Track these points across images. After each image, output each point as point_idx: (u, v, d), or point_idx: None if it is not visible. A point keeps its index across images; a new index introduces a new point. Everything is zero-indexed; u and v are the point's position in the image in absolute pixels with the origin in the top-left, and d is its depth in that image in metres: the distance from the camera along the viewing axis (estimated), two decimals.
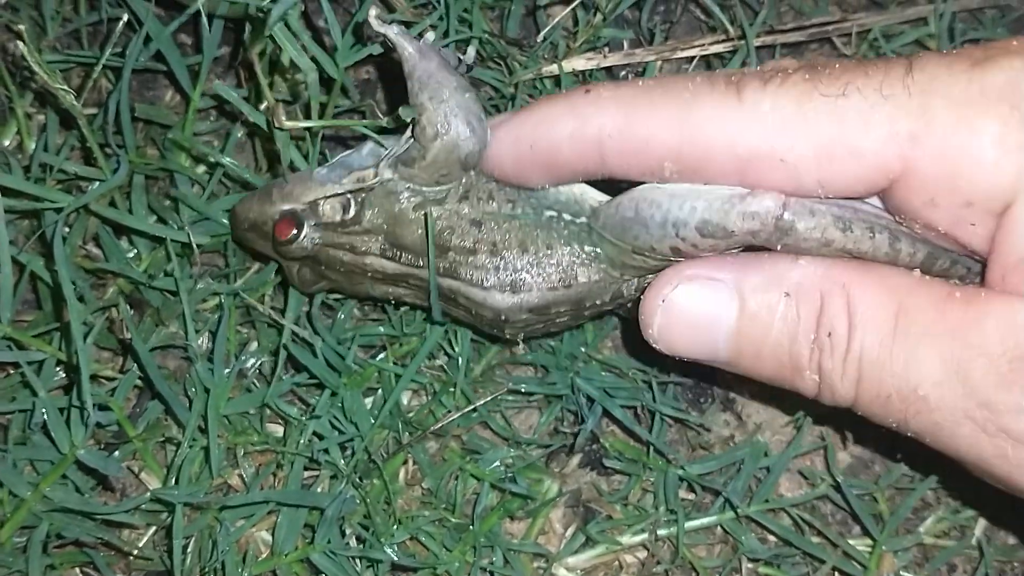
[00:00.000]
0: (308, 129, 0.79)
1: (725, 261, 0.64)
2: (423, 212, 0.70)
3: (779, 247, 0.62)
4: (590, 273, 0.69)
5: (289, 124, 0.69)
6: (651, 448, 0.83)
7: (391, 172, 0.71)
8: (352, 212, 0.72)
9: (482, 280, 0.70)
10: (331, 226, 0.72)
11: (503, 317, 0.71)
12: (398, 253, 0.72)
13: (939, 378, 0.56)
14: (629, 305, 0.77)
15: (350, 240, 0.72)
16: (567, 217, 0.69)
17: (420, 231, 0.70)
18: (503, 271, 0.69)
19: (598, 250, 0.69)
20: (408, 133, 0.69)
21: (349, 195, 0.72)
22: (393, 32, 0.68)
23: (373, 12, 0.69)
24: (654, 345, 0.66)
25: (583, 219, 0.69)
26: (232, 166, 0.84)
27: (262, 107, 0.78)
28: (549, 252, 0.69)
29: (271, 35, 0.69)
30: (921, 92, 0.57)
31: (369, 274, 0.73)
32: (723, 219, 0.61)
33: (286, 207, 0.73)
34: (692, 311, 0.63)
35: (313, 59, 0.79)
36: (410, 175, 0.70)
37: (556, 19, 0.89)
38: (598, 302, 0.71)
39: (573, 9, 0.89)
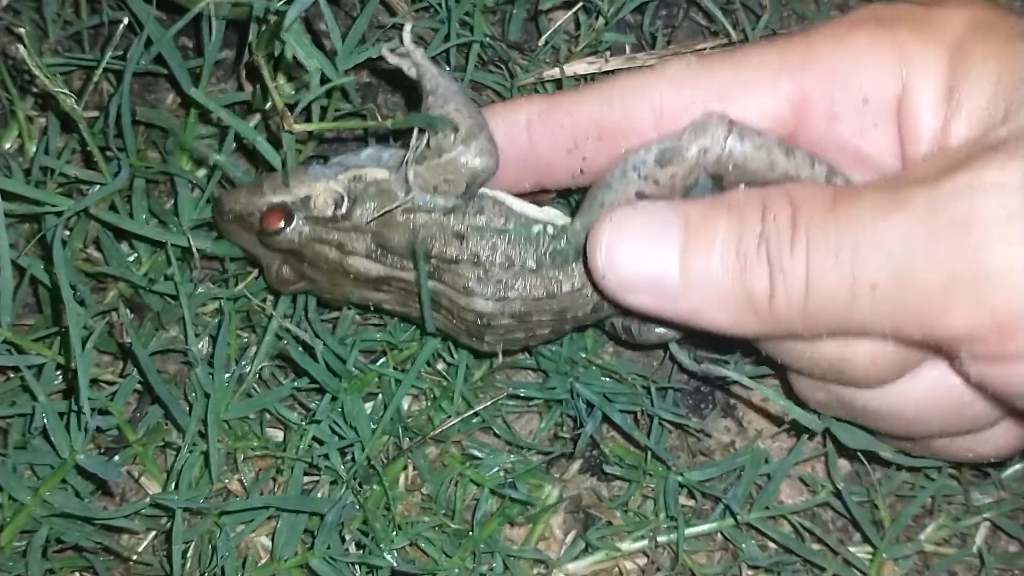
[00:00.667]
0: (310, 132, 0.79)
1: (669, 199, 0.67)
2: (410, 216, 0.71)
3: (730, 168, 0.65)
4: (573, 281, 0.71)
5: (299, 127, 0.70)
6: (651, 454, 0.83)
7: (387, 173, 0.72)
8: (344, 208, 0.72)
9: (465, 285, 0.71)
10: (321, 221, 0.73)
11: (484, 321, 0.71)
12: (383, 255, 0.72)
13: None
14: (610, 322, 0.78)
15: (338, 237, 0.73)
16: (550, 231, 0.72)
17: (406, 234, 0.71)
18: (487, 281, 0.71)
19: (580, 255, 0.71)
20: (415, 138, 0.70)
21: (343, 192, 0.72)
22: (419, 54, 0.71)
23: (408, 28, 0.71)
24: (600, 273, 0.65)
25: (562, 223, 0.72)
26: (229, 166, 0.83)
27: (269, 110, 0.79)
28: (535, 268, 0.71)
29: (281, 37, 0.69)
30: (803, 34, 0.66)
31: (352, 275, 0.74)
32: (676, 144, 0.65)
33: (277, 199, 0.73)
34: (641, 225, 0.64)
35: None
36: (412, 175, 0.70)
37: (558, 23, 0.89)
38: (580, 314, 0.73)
39: (575, 13, 0.89)
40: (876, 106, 0.64)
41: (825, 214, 0.58)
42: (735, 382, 0.84)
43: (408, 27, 0.71)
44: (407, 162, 0.70)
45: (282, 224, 0.72)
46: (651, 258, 0.63)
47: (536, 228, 0.72)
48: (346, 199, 0.72)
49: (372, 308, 0.77)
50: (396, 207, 0.71)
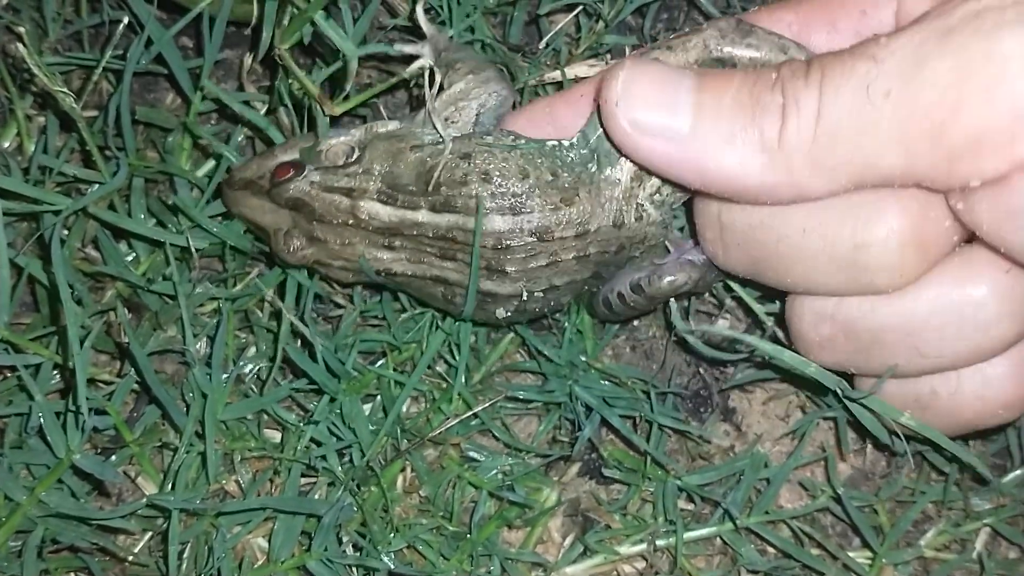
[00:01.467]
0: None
1: None
2: (419, 152, 0.73)
3: (743, 50, 0.69)
4: (591, 189, 0.71)
5: (340, 108, 0.74)
6: (650, 458, 0.82)
7: (398, 123, 0.76)
8: (355, 156, 0.74)
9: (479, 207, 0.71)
10: (331, 169, 0.74)
11: (503, 244, 0.71)
12: (394, 196, 0.72)
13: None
14: (617, 291, 0.77)
15: (348, 182, 0.73)
16: (566, 143, 0.72)
17: (416, 168, 0.72)
18: (500, 196, 0.70)
19: (597, 162, 0.71)
20: (428, 86, 0.74)
21: (354, 144, 0.75)
22: (428, 23, 0.77)
23: (421, 6, 0.77)
24: (614, 102, 0.64)
25: (578, 134, 0.72)
26: (234, 158, 0.83)
27: (303, 98, 0.80)
28: (552, 178, 0.71)
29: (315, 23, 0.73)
30: None
31: (363, 225, 0.73)
32: (693, 30, 0.70)
33: (288, 158, 0.76)
34: (659, 68, 0.65)
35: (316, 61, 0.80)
36: (423, 118, 0.74)
37: (559, 25, 0.89)
38: (602, 226, 0.72)
39: (576, 16, 0.89)
40: (874, 18, 0.67)
41: (840, 52, 0.59)
42: (734, 377, 0.84)
43: (420, 7, 0.77)
44: (421, 110, 0.74)
45: (292, 172, 0.74)
46: (664, 96, 0.63)
47: (551, 143, 0.72)
48: (356, 150, 0.74)
49: (383, 277, 0.76)
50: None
